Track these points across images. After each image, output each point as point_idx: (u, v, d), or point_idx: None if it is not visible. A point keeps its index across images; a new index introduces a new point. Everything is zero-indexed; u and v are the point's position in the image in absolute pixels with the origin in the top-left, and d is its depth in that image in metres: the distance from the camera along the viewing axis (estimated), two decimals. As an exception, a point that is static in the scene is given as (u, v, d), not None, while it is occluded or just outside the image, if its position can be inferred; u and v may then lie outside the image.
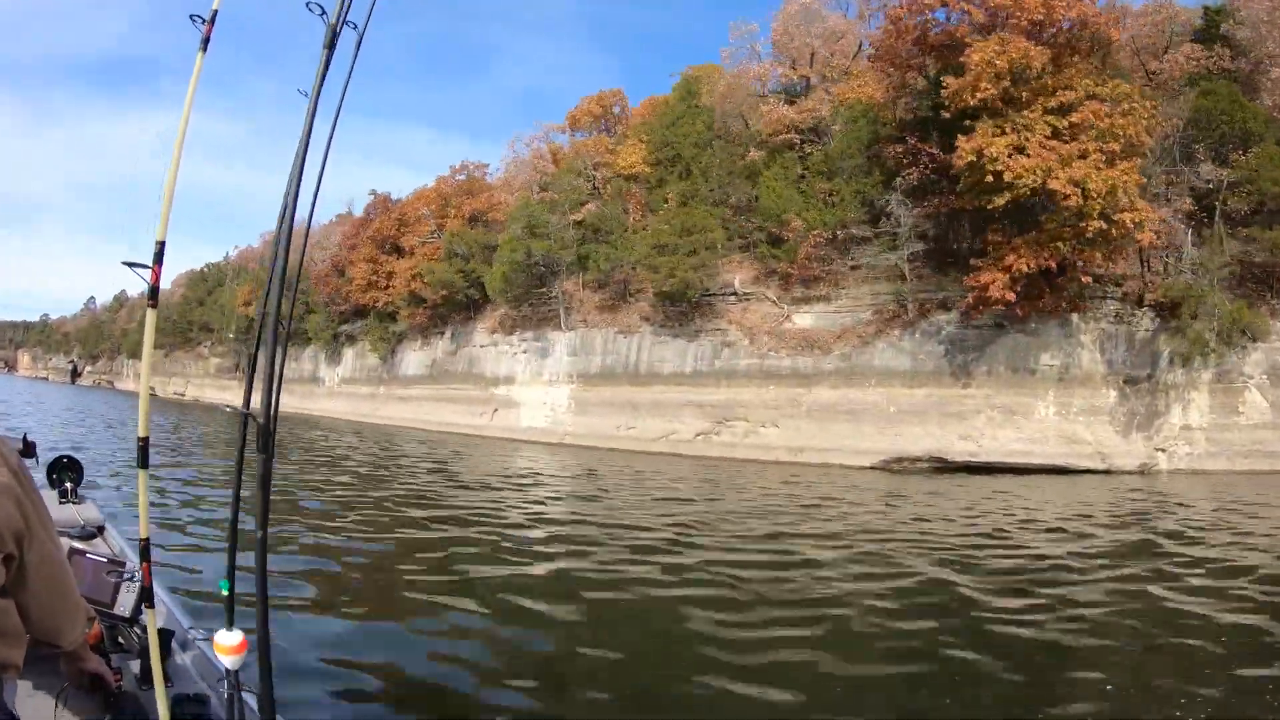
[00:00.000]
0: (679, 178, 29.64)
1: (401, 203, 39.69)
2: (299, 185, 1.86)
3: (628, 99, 35.26)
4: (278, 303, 1.90)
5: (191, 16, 2.04)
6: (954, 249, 23.05)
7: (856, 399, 22.46)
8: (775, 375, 24.09)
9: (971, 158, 19.22)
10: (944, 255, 23.11)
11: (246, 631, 2.04)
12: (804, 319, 24.95)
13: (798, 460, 22.02)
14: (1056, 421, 20.98)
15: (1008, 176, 18.77)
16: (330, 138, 1.96)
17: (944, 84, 20.51)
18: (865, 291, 24.16)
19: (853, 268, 24.69)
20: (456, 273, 31.53)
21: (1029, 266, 19.43)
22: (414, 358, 37.61)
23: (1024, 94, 19.61)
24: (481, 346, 32.77)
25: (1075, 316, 21.20)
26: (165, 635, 2.26)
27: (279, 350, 1.91)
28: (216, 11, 2.05)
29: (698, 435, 24.86)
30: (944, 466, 20.39)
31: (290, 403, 48.90)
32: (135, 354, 70.91)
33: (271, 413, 1.85)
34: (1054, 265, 19.98)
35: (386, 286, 37.70)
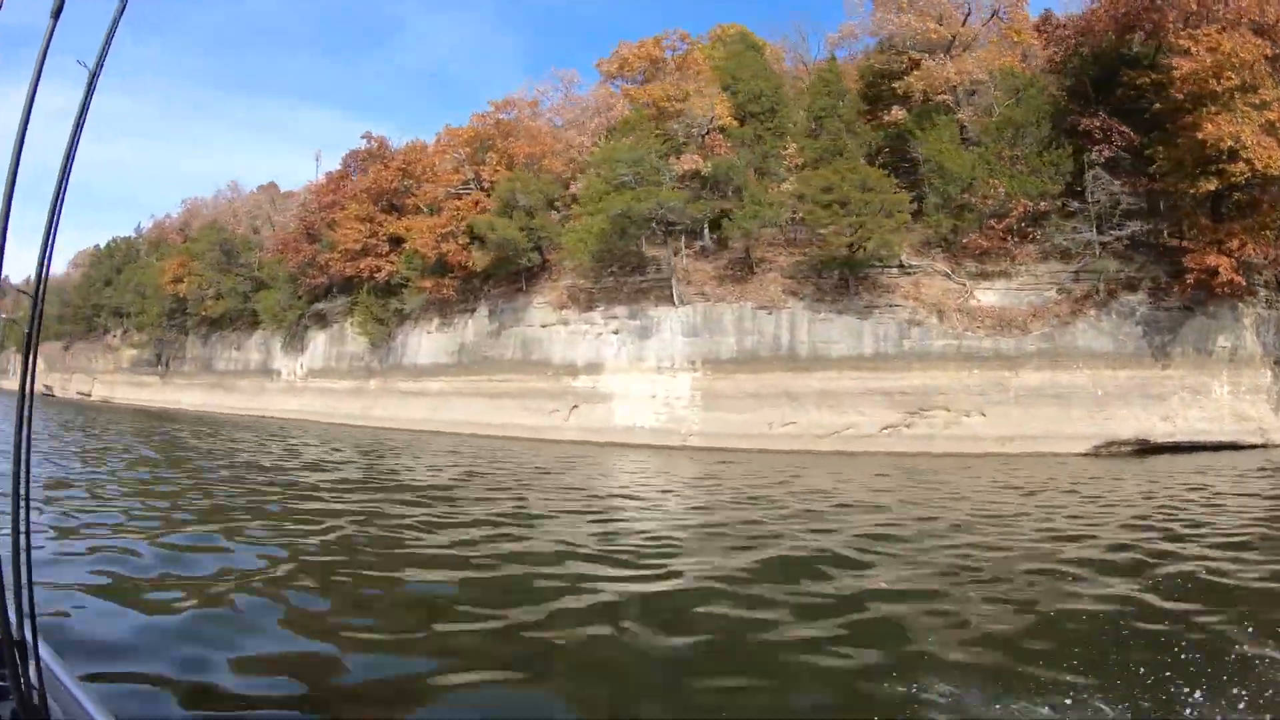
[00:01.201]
0: (773, 134, 25.40)
1: (405, 150, 31.65)
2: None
3: (696, 41, 30.07)
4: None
5: None
6: (1151, 230, 21.65)
7: (1063, 382, 20.48)
8: (975, 357, 21.04)
9: (1214, 140, 18.35)
10: (1131, 235, 21.64)
11: None
12: (987, 296, 22.20)
13: (1006, 450, 19.47)
14: (1230, 400, 20.92)
15: (1259, 164, 18.32)
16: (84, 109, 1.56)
17: (1170, 65, 19.28)
18: (1044, 269, 22.12)
19: (1030, 242, 22.42)
20: (519, 229, 24.71)
21: (1252, 252, 19.66)
22: (428, 342, 29.76)
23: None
24: (544, 326, 26.09)
25: (1239, 301, 20.96)
26: None
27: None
28: None
29: (884, 429, 20.84)
30: (1146, 448, 19.67)
31: (231, 403, 38.40)
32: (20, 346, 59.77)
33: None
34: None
35: (387, 253, 29.66)
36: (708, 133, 25.31)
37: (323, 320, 34.43)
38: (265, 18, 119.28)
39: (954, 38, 23.75)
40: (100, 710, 1.64)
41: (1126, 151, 21.10)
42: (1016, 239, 22.01)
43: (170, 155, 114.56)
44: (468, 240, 26.60)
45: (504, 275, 27.22)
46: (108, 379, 51.58)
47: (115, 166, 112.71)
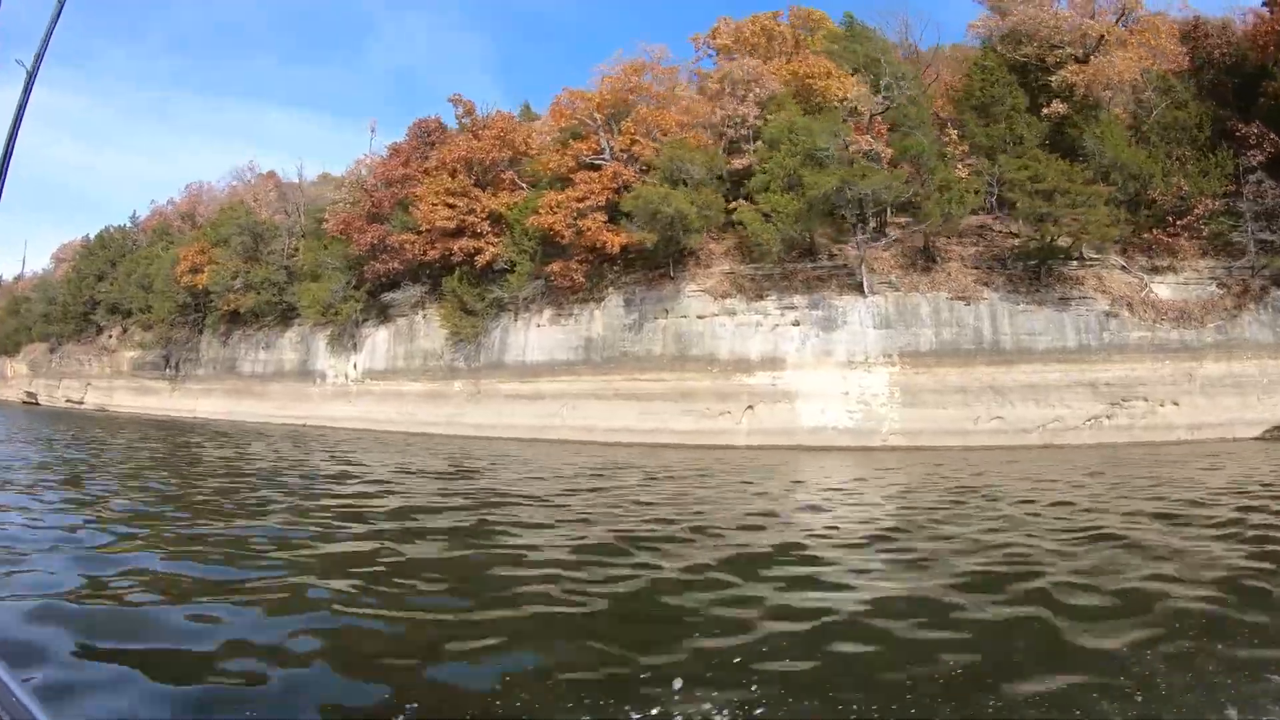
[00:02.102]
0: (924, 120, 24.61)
1: (495, 118, 27.60)
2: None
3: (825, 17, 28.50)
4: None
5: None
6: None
7: (1237, 371, 21.31)
8: (1165, 349, 21.54)
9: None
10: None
11: None
12: (1161, 289, 22.63)
13: (1195, 438, 20.21)
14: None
15: None
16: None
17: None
18: (1204, 265, 22.92)
19: (1192, 239, 23.08)
20: (688, 203, 22.00)
21: None
22: (538, 337, 26.09)
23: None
24: (701, 318, 23.51)
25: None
26: None
27: None
28: None
29: (1087, 421, 20.48)
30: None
31: (261, 410, 32.26)
32: (6, 350, 54.76)
33: None
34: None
35: (490, 233, 25.74)
36: (874, 115, 23.73)
37: (383, 314, 29.52)
38: (229, 18, 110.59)
39: (1101, 37, 23.63)
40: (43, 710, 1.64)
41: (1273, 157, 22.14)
42: (1188, 235, 22.40)
43: (135, 157, 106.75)
44: (605, 218, 23.44)
45: (641, 260, 24.26)
46: (103, 384, 45.16)
47: (79, 170, 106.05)
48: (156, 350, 40.00)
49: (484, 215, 25.70)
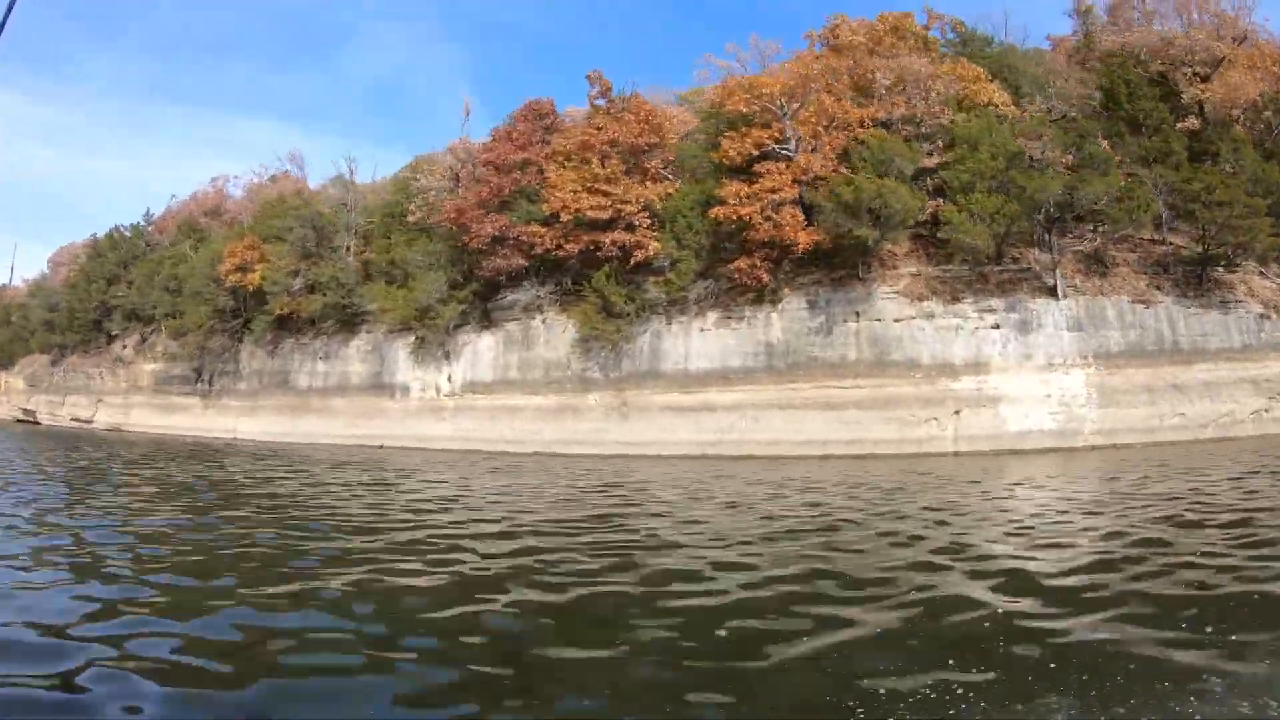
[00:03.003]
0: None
1: (630, 99, 24.42)
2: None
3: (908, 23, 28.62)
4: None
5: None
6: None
7: None
8: None
9: None
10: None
11: None
12: None
13: None
14: None
15: None
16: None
17: None
18: None
19: None
20: (910, 197, 21.05)
21: None
22: (701, 342, 23.61)
23: None
24: (897, 321, 22.58)
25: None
26: None
27: None
28: None
29: (1251, 414, 22.41)
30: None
31: (324, 430, 26.73)
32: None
33: None
34: None
35: (639, 227, 22.83)
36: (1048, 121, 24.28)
37: (485, 318, 25.10)
38: (207, 27, 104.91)
39: (1224, 58, 26.21)
40: None
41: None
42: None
43: (111, 163, 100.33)
44: (798, 212, 21.76)
45: (818, 260, 22.83)
46: (117, 401, 39.95)
47: (51, 178, 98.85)
48: (185, 362, 34.53)
49: (640, 206, 22.71)
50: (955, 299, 22.72)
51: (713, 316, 23.73)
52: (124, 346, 41.44)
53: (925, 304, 22.68)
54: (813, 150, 22.38)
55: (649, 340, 24.14)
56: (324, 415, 29.03)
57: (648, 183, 23.53)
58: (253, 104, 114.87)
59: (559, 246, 23.05)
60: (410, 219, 26.42)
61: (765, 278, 22.46)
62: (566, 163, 23.23)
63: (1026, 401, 21.90)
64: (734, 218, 21.53)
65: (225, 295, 31.51)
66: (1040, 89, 25.67)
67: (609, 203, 22.36)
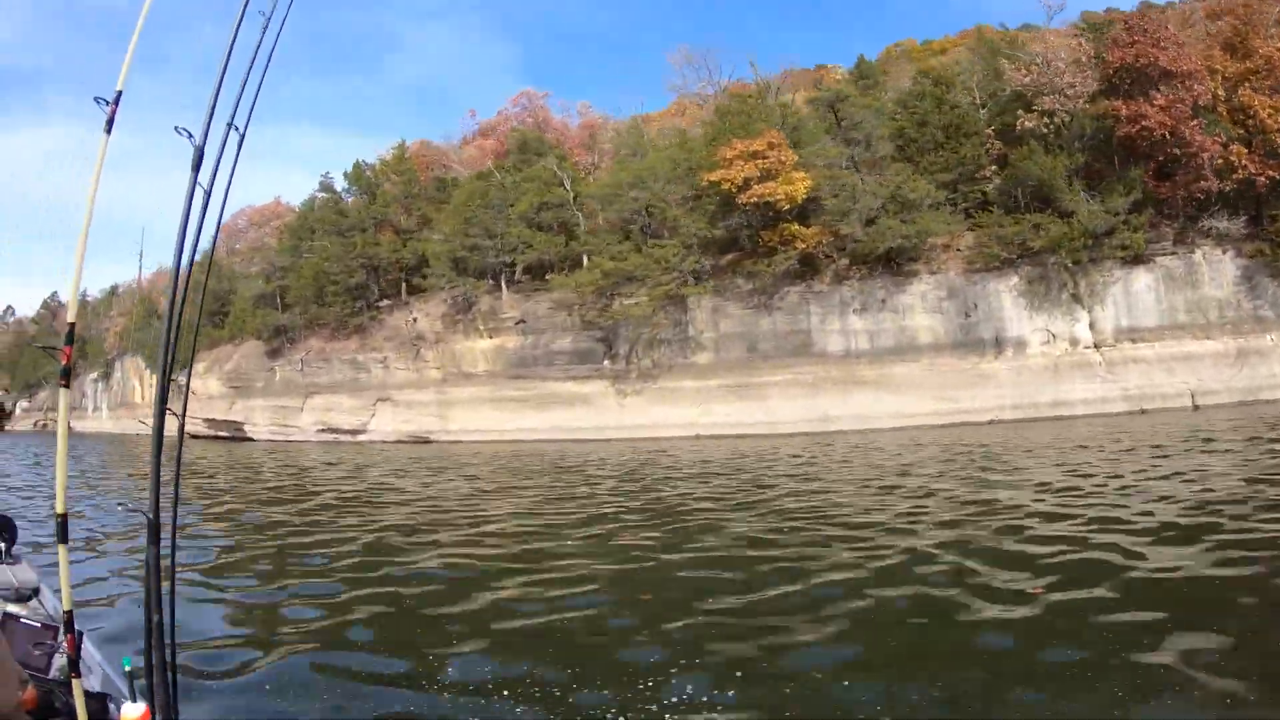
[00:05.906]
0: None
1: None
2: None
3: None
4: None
5: (96, 99, 1.97)
6: None
7: None
8: None
9: None
10: None
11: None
12: None
13: None
14: None
15: None
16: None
17: None
18: None
19: None
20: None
21: None
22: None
23: None
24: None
25: None
26: (99, 699, 2.30)
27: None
28: (120, 93, 1.99)
29: None
30: None
31: (877, 408, 22.85)
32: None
33: (159, 498, 1.53)
34: None
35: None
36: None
37: (1123, 252, 23.17)
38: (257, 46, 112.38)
39: None
40: None
41: None
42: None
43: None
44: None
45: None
46: (423, 399, 28.56)
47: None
48: (579, 331, 26.17)
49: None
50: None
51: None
52: (413, 319, 30.55)
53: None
54: None
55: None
56: (879, 388, 23.15)
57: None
58: (304, 113, 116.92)
59: (1261, 172, 21.10)
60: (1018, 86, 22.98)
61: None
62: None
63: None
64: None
65: (737, 214, 23.76)
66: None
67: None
